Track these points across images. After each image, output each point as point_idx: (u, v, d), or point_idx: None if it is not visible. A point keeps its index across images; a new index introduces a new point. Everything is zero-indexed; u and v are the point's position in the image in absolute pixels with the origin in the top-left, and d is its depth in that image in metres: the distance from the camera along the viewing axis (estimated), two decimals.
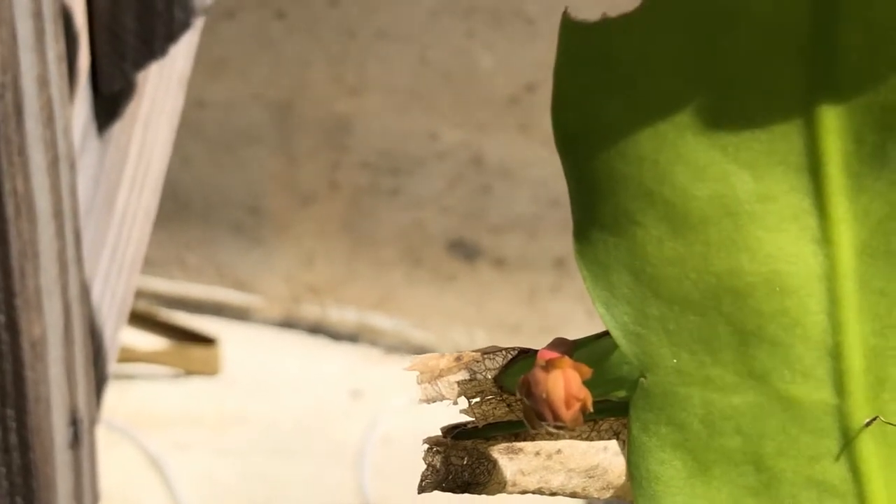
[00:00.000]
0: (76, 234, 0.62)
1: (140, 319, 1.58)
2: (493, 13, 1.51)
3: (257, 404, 1.61)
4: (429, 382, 0.33)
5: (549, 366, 0.30)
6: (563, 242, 1.62)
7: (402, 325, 1.68)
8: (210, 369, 1.64)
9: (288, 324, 1.70)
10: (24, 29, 0.53)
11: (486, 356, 0.33)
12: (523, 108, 1.56)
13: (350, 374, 1.66)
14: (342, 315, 1.69)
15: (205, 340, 1.63)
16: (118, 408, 1.54)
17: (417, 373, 0.33)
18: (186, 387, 1.63)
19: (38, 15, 0.54)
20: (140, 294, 1.64)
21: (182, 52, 0.85)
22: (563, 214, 1.60)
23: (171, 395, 1.62)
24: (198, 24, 0.78)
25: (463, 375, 0.33)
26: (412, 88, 1.56)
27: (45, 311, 0.59)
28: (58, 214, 0.59)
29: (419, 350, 1.69)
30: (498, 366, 0.33)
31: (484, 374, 0.33)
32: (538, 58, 1.52)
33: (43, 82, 0.55)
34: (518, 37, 1.51)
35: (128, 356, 1.55)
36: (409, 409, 1.61)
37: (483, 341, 1.67)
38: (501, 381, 0.33)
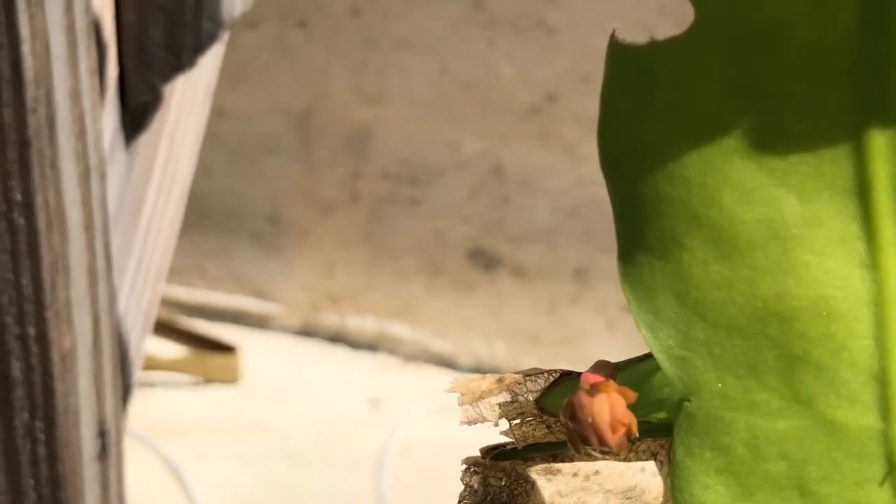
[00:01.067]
0: (106, 247, 0.62)
1: (160, 327, 1.58)
2: (514, 23, 1.51)
3: (277, 412, 1.61)
4: (470, 404, 0.33)
5: (593, 390, 0.30)
6: (583, 252, 1.62)
7: (421, 334, 1.68)
8: (230, 377, 1.64)
9: (307, 332, 1.70)
10: (58, 42, 0.53)
11: (527, 378, 0.33)
12: (544, 119, 1.56)
13: (369, 382, 1.66)
14: (361, 324, 1.69)
15: (224, 348, 1.63)
16: (138, 415, 1.54)
17: (458, 394, 0.33)
18: (206, 394, 1.63)
19: (71, 28, 0.54)
20: (160, 302, 1.65)
21: (208, 64, 0.85)
22: (583, 224, 1.60)
23: (190, 403, 1.62)
24: (225, 35, 0.78)
25: (504, 397, 0.33)
26: (433, 98, 1.56)
27: (74, 323, 0.59)
28: (88, 227, 0.59)
29: (438, 359, 1.69)
30: (539, 388, 0.33)
31: (525, 395, 0.33)
32: (559, 68, 1.52)
33: (75, 95, 0.56)
34: (539, 47, 1.51)
35: (148, 364, 1.55)
36: (429, 417, 1.61)
37: (502, 351, 1.67)
38: (543, 403, 0.33)
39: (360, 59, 1.55)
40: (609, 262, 1.59)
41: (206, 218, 1.65)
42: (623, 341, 1.60)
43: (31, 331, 0.58)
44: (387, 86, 1.55)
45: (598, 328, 1.62)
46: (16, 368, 0.59)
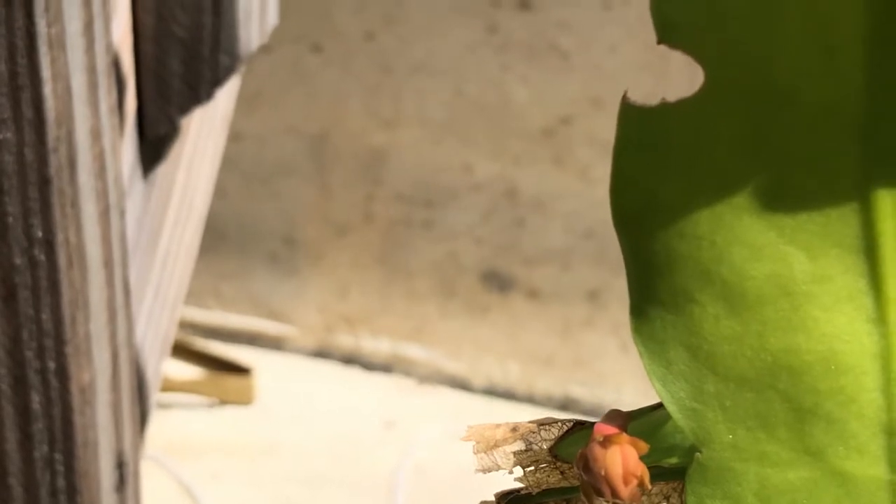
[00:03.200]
0: (125, 282, 0.63)
1: (175, 349, 1.59)
2: (527, 47, 1.52)
3: (291, 434, 1.62)
4: (485, 452, 0.33)
5: (606, 441, 0.30)
6: (597, 274, 1.62)
7: (435, 356, 1.68)
8: (244, 398, 1.64)
9: (322, 354, 1.71)
10: (78, 83, 0.54)
11: (541, 427, 0.34)
12: (558, 141, 1.56)
13: (383, 404, 1.67)
14: (376, 345, 1.69)
15: (239, 370, 1.64)
16: (152, 437, 1.55)
17: (474, 442, 0.34)
18: (221, 416, 1.64)
19: (91, 69, 0.55)
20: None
21: (225, 94, 0.86)
22: (597, 246, 1.60)
23: (205, 425, 1.63)
24: (242, 68, 0.79)
25: (519, 446, 0.33)
26: (447, 121, 1.57)
27: (93, 357, 0.60)
28: (107, 263, 0.60)
29: (452, 381, 1.69)
30: (553, 437, 0.34)
31: (539, 444, 0.34)
32: (573, 91, 1.53)
33: (96, 134, 0.56)
34: (553, 71, 1.52)
35: (162, 385, 1.56)
36: (443, 439, 1.61)
37: (516, 373, 1.68)
38: (557, 451, 0.34)
39: (374, 82, 1.56)
40: (623, 284, 1.59)
41: (221, 240, 1.66)
42: (636, 363, 1.60)
43: (51, 365, 0.58)
44: (401, 109, 1.56)
45: (612, 350, 1.62)
46: (35, 402, 0.59)
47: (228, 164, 1.57)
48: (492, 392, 1.66)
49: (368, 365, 1.67)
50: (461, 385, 1.66)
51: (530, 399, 1.66)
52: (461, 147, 1.56)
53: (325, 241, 1.64)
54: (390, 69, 1.53)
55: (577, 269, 1.59)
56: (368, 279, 1.65)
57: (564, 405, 1.65)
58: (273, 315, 1.67)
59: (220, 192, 1.60)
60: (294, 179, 1.62)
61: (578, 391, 1.63)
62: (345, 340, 1.67)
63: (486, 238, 1.60)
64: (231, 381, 1.60)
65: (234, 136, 1.57)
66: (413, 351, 1.65)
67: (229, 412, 1.59)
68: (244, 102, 1.54)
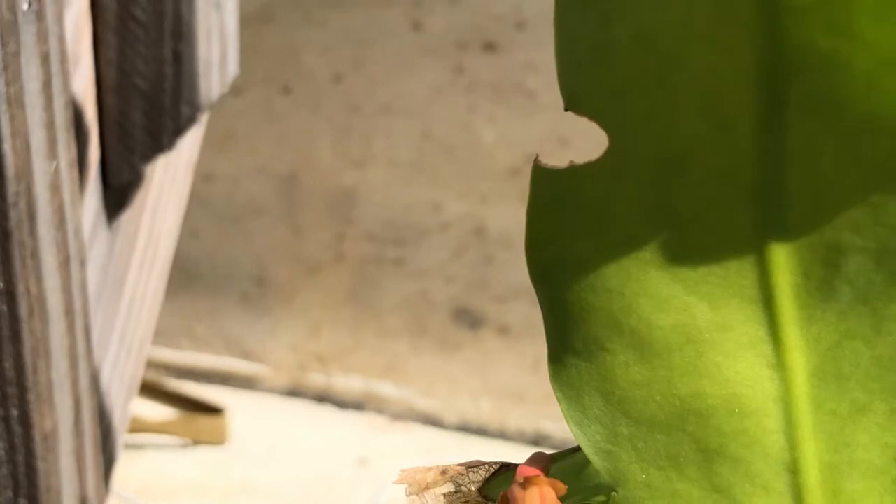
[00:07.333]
0: (86, 330, 0.64)
1: (148, 389, 1.60)
2: (494, 88, 1.54)
3: (264, 473, 1.63)
4: (416, 494, 0.35)
5: (526, 483, 0.32)
6: None
7: (407, 394, 1.69)
8: (217, 439, 1.65)
9: (295, 393, 1.72)
10: (37, 139, 0.56)
11: (469, 469, 0.35)
12: (525, 179, 1.59)
13: (357, 441, 1.68)
14: (348, 384, 1.71)
15: (212, 410, 1.64)
16: (126, 478, 1.56)
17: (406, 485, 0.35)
18: (194, 456, 1.65)
19: (50, 125, 0.56)
20: (148, 364, 1.67)
21: (189, 141, 0.87)
22: None
23: (178, 465, 1.63)
24: (204, 117, 0.81)
25: (448, 487, 0.35)
26: (416, 161, 1.59)
27: (56, 404, 0.61)
28: (69, 312, 0.62)
29: (425, 418, 1.70)
30: (481, 478, 0.35)
31: (468, 486, 0.35)
32: (539, 130, 1.55)
33: (55, 188, 0.58)
34: (519, 110, 1.54)
35: (136, 426, 1.57)
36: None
37: (488, 409, 1.69)
38: (486, 492, 0.36)
39: (343, 124, 1.58)
40: None
41: (193, 280, 1.67)
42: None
43: (14, 412, 0.60)
44: (371, 149, 1.58)
45: None
46: None
47: (200, 204, 1.59)
48: (464, 428, 1.67)
49: (341, 403, 1.68)
50: (434, 422, 1.67)
51: (502, 435, 1.67)
52: (430, 186, 1.58)
53: (297, 281, 1.65)
54: (359, 110, 1.56)
55: None
56: (340, 318, 1.66)
57: (536, 441, 1.66)
58: (245, 355, 1.68)
59: (192, 232, 1.61)
60: (265, 220, 1.63)
61: (550, 426, 1.65)
62: (317, 379, 1.68)
63: (456, 276, 1.61)
64: (204, 422, 1.60)
65: (206, 177, 1.59)
66: (385, 388, 1.66)
67: (202, 452, 1.60)
68: (215, 143, 1.56)
